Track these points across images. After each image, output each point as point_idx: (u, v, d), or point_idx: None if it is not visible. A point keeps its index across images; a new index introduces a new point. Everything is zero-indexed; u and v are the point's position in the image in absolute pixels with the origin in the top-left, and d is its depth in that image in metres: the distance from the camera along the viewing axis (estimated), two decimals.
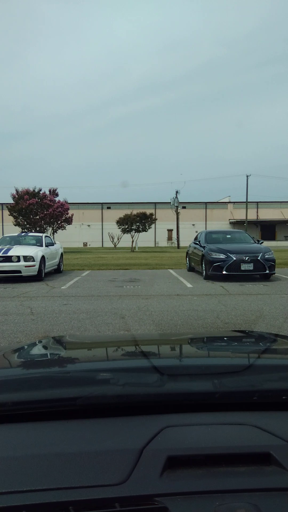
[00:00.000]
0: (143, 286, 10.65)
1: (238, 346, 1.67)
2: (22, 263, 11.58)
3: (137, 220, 40.52)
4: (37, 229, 34.04)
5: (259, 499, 0.68)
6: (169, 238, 59.13)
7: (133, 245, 41.12)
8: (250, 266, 11.45)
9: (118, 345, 1.72)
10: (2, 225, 56.75)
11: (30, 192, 34.90)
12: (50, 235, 31.71)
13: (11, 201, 36.03)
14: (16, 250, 11.98)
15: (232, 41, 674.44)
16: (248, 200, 51.79)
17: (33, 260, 11.66)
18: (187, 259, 15.00)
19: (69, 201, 37.00)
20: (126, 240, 45.39)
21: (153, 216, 41.90)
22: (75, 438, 0.84)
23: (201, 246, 12.74)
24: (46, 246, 13.17)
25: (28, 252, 11.81)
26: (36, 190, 35.35)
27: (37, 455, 0.79)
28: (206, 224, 57.77)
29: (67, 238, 45.50)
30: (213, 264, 11.52)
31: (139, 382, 1.07)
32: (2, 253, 11.76)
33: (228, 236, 13.98)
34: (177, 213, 47.61)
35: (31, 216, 34.19)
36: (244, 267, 11.43)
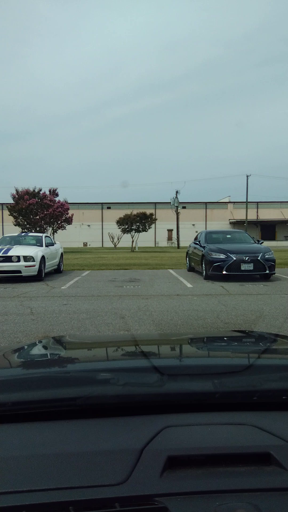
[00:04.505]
0: (143, 286, 10.65)
1: (238, 346, 1.67)
2: (22, 263, 11.57)
3: (137, 220, 40.51)
4: (37, 229, 34.02)
5: (259, 499, 0.68)
6: (169, 238, 59.11)
7: (133, 245, 41.12)
8: (250, 266, 11.45)
9: (118, 345, 1.72)
10: (2, 225, 56.73)
11: (30, 192, 34.89)
12: (50, 235, 31.70)
13: (11, 201, 36.02)
14: (16, 250, 11.98)
15: (230, 41, 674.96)
16: (248, 200, 51.78)
17: (33, 260, 11.66)
18: (187, 259, 14.99)
19: (69, 201, 36.99)
20: (126, 240, 45.38)
21: (153, 216, 41.89)
22: (75, 438, 0.84)
23: (201, 246, 12.74)
24: (46, 246, 13.16)
25: (28, 252, 11.80)
26: (36, 190, 35.35)
27: (37, 455, 0.79)
28: (206, 224, 57.75)
29: (67, 238, 45.50)
30: (213, 264, 11.52)
31: (139, 382, 1.07)
32: (2, 253, 11.76)
33: (228, 236, 13.97)
34: (177, 213, 47.60)
35: (31, 216, 34.18)
36: (244, 267, 11.42)
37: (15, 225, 35.68)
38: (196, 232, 23.81)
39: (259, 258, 11.49)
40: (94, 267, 17.01)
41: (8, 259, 11.63)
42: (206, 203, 61.16)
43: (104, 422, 0.91)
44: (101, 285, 10.84)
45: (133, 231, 41.12)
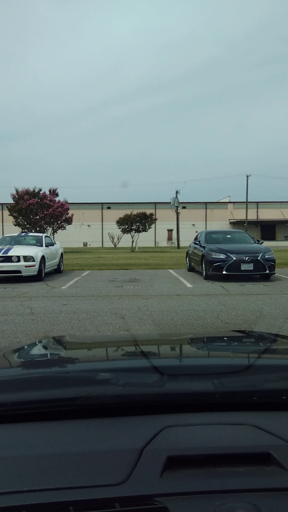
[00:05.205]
0: (143, 286, 10.65)
1: (238, 346, 1.67)
2: (22, 263, 11.57)
3: (137, 220, 40.51)
4: (37, 229, 34.02)
5: (259, 499, 0.68)
6: (169, 238, 59.11)
7: (133, 245, 41.11)
8: (250, 266, 11.45)
9: (118, 345, 1.72)
10: (2, 225, 56.73)
11: (30, 192, 34.89)
12: (50, 235, 31.70)
13: (11, 201, 36.02)
14: (16, 250, 11.98)
15: (230, 41, 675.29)
16: (248, 200, 51.78)
17: (33, 260, 11.65)
18: (187, 259, 14.99)
19: (69, 201, 36.99)
20: (126, 240, 45.38)
21: (153, 216, 41.88)
22: (75, 438, 0.84)
23: (201, 246, 12.74)
24: (46, 246, 13.16)
25: (28, 252, 11.80)
26: (36, 190, 35.34)
27: (37, 455, 0.79)
28: (206, 224, 57.75)
29: (67, 238, 45.50)
30: (213, 264, 11.52)
31: (139, 382, 1.07)
32: (2, 253, 11.76)
33: (228, 236, 13.97)
34: (177, 213, 47.60)
35: (31, 216, 34.18)
36: (244, 267, 11.42)
37: (15, 225, 35.67)
38: (196, 232, 23.81)
39: (259, 258, 11.48)
40: (94, 267, 17.01)
41: (8, 259, 11.63)
42: (206, 203, 61.15)
43: (104, 422, 0.91)
44: (101, 285, 10.84)
45: (133, 231, 41.11)
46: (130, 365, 1.30)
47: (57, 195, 36.27)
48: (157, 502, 0.68)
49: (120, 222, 41.30)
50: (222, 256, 11.53)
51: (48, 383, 1.06)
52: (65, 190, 78.33)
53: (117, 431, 0.86)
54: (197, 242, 13.49)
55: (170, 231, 58.26)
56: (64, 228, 36.62)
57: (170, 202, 48.37)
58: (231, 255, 11.46)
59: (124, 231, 41.72)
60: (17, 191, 35.50)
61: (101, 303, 7.96)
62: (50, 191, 36.24)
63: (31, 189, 35.29)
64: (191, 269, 14.38)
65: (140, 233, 41.96)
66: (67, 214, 35.71)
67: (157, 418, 0.90)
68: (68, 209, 35.81)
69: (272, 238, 55.50)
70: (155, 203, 58.56)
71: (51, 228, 35.36)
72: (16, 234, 14.81)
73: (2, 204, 55.10)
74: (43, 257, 12.17)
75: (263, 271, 11.55)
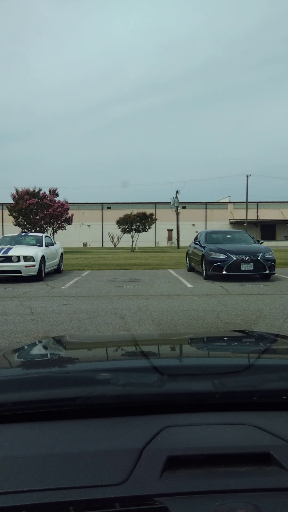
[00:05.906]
0: (143, 286, 10.65)
1: (238, 346, 1.67)
2: (22, 263, 11.57)
3: (137, 220, 40.51)
4: (37, 229, 34.02)
5: (259, 499, 0.68)
6: (169, 238, 59.11)
7: (133, 245, 41.12)
8: (250, 266, 11.45)
9: (118, 345, 1.72)
10: (2, 225, 56.72)
11: (30, 192, 34.88)
12: (50, 235, 31.70)
13: (11, 201, 36.02)
14: (16, 250, 11.98)
15: (230, 41, 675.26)
16: (248, 200, 51.77)
17: (33, 260, 11.66)
18: (187, 259, 14.99)
19: (69, 201, 36.98)
20: (126, 240, 45.37)
21: (153, 216, 41.89)
22: (75, 438, 0.84)
23: (201, 246, 12.74)
24: (46, 246, 13.16)
25: (28, 252, 11.80)
26: (36, 190, 35.33)
27: (37, 455, 0.79)
28: (206, 224, 57.74)
29: (67, 238, 45.49)
30: (213, 264, 11.52)
31: (139, 382, 1.07)
32: (2, 253, 11.76)
33: (228, 236, 13.97)
34: (177, 213, 47.59)
35: (31, 216, 34.17)
36: (244, 267, 11.42)
37: (15, 225, 35.66)
38: (196, 232, 23.81)
39: (259, 258, 11.48)
40: (94, 267, 17.00)
41: (8, 259, 11.63)
42: (206, 203, 61.14)
43: (104, 422, 0.91)
44: (101, 285, 10.84)
45: (133, 231, 41.11)
46: (130, 365, 1.30)
47: (57, 195, 36.27)
48: (157, 502, 0.68)
49: (120, 222, 41.30)
50: (222, 256, 11.53)
51: (48, 383, 1.06)
52: (65, 190, 78.52)
53: (117, 431, 0.86)
54: (197, 242, 13.49)
55: (170, 231, 58.26)
56: (64, 228, 36.61)
57: (170, 202, 48.36)
58: (231, 255, 11.45)
59: (124, 231, 41.72)
60: (17, 191, 35.48)
61: (101, 303, 7.96)
62: (50, 191, 36.22)
63: (31, 189, 35.28)
64: (191, 269, 14.38)
65: (140, 233, 41.96)
66: (67, 214, 35.70)
67: (157, 418, 0.90)
68: (68, 209, 35.80)
69: (272, 238, 55.48)
70: (155, 203, 58.54)
71: (51, 228, 35.34)
72: (16, 234, 14.81)
73: (2, 204, 55.08)
74: (43, 257, 12.17)
75: (263, 271, 11.55)
